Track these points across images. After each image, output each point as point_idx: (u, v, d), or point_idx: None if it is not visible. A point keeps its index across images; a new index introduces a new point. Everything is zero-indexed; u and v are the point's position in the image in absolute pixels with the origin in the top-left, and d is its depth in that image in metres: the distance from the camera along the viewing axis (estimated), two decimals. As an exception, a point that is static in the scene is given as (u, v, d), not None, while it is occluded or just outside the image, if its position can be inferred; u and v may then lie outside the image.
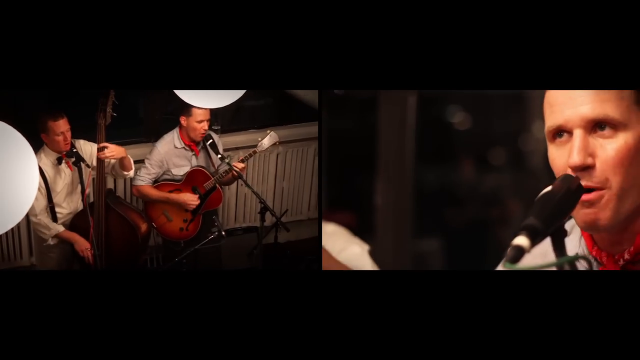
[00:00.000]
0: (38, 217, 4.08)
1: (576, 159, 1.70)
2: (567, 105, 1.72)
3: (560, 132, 1.74)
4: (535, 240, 1.58)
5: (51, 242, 4.15)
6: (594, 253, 1.89)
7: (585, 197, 1.71)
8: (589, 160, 1.71)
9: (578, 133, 1.71)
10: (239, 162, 4.45)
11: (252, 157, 4.58)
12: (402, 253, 4.10)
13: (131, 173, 4.27)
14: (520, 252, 1.56)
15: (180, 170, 4.55)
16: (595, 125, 1.72)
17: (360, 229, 4.03)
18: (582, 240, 1.92)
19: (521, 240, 1.57)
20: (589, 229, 1.81)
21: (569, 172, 1.71)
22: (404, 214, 4.14)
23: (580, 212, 1.74)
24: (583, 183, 1.70)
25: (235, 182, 4.94)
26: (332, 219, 4.06)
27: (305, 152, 5.70)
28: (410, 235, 4.15)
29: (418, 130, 4.16)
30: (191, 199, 4.51)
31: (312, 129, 5.61)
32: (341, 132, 4.34)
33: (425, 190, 4.21)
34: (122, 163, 4.16)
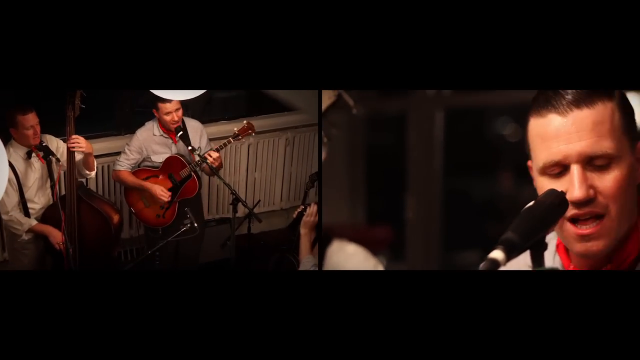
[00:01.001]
0: (10, 214, 4.04)
1: (580, 194, 1.72)
2: (562, 141, 1.74)
3: (556, 166, 1.77)
4: (511, 254, 1.62)
5: (25, 237, 4.11)
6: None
7: (584, 231, 1.76)
8: (591, 192, 1.75)
9: (577, 168, 1.74)
10: (213, 150, 4.46)
11: (225, 148, 4.61)
12: (432, 266, 4.12)
13: (92, 174, 4.29)
14: (495, 265, 1.60)
15: (160, 157, 4.57)
16: (592, 159, 1.75)
17: (396, 244, 4.14)
18: (557, 256, 1.95)
19: (496, 254, 1.61)
20: (588, 257, 1.84)
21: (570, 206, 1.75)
22: (433, 227, 4.16)
23: (579, 245, 1.79)
24: (587, 210, 1.74)
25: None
26: (371, 234, 4.13)
27: (276, 143, 5.73)
28: (440, 249, 4.17)
29: (446, 145, 4.20)
30: (161, 193, 4.53)
31: (282, 120, 5.64)
32: (379, 148, 4.39)
33: (455, 204, 4.23)
34: (86, 161, 4.15)
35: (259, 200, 5.64)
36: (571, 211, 1.74)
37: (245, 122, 4.55)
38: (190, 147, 4.46)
